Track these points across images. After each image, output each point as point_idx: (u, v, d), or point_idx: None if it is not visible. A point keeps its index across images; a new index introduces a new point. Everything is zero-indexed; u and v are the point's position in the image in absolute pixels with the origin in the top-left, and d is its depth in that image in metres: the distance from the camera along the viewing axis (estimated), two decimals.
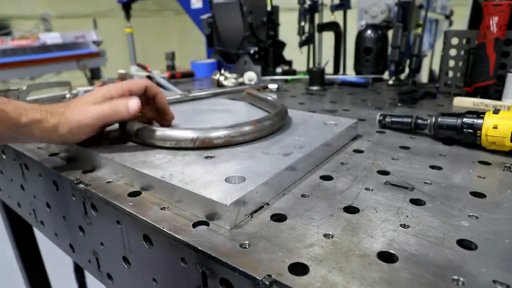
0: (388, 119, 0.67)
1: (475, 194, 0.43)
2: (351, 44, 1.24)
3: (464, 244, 0.33)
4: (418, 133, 0.65)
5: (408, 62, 1.09)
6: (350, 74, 1.27)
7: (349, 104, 0.90)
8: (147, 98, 0.57)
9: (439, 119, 0.59)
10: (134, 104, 0.50)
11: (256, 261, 0.31)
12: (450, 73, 0.96)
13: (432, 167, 0.51)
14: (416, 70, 1.03)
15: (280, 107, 0.62)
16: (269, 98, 0.72)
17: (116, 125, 0.58)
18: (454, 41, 0.93)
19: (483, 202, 0.41)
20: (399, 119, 0.65)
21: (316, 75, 1.10)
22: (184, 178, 0.42)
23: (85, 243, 0.53)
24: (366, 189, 0.44)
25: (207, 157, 0.49)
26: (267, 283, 0.29)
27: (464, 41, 0.91)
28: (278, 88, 1.06)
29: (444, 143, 0.60)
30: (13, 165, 0.66)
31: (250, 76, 1.18)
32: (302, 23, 1.22)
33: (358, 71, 1.22)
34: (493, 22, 0.78)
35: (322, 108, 0.86)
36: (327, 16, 1.25)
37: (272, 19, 1.30)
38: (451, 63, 0.95)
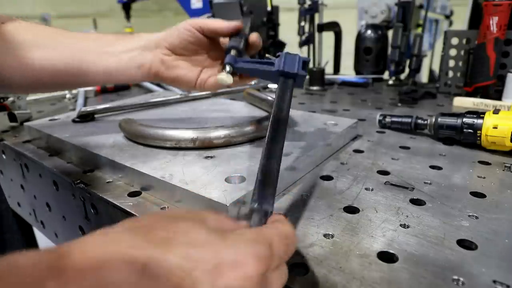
0: (388, 119, 0.67)
1: (475, 194, 0.43)
2: (351, 44, 1.24)
3: (464, 244, 0.33)
4: (418, 133, 0.65)
5: (408, 62, 1.09)
6: (348, 74, 1.27)
7: (349, 104, 0.90)
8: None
9: (439, 119, 0.59)
10: None
11: None
12: (450, 73, 0.96)
13: (432, 167, 0.51)
14: (416, 70, 1.03)
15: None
16: (269, 98, 0.72)
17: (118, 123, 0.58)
18: (454, 41, 0.93)
19: (483, 202, 0.41)
20: (399, 119, 0.65)
21: (316, 75, 1.10)
22: (184, 178, 0.42)
23: None
24: (366, 189, 0.44)
25: (207, 157, 0.49)
26: None
27: (464, 41, 0.91)
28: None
29: (444, 143, 0.60)
30: (13, 165, 0.66)
31: None
32: (302, 23, 1.22)
33: (358, 71, 1.22)
34: (493, 22, 0.78)
35: (322, 108, 0.86)
36: (327, 16, 1.25)
37: (272, 19, 1.30)
38: (451, 63, 0.95)
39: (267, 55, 0.53)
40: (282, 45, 1.38)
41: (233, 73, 0.49)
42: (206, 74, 0.53)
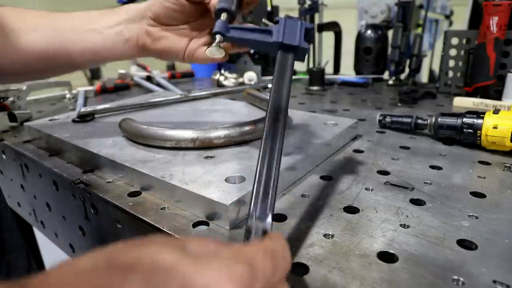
0: (388, 119, 0.67)
1: (475, 194, 0.43)
2: (351, 44, 1.24)
3: (464, 244, 0.33)
4: (418, 133, 0.65)
5: (408, 62, 1.09)
6: (348, 74, 1.27)
7: (349, 104, 0.90)
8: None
9: (439, 119, 0.59)
10: None
11: None
12: (450, 73, 0.96)
13: (432, 167, 0.51)
14: (416, 70, 1.03)
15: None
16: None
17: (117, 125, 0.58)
18: (454, 41, 0.93)
19: (483, 202, 0.41)
20: (399, 119, 0.65)
21: (316, 75, 1.10)
22: (184, 178, 0.42)
23: (85, 243, 0.53)
24: (366, 189, 0.44)
25: (207, 157, 0.49)
26: None
27: (464, 41, 0.91)
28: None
29: (444, 143, 0.60)
30: (13, 165, 0.66)
31: (250, 76, 1.18)
32: None
33: (358, 71, 1.22)
34: (493, 22, 0.78)
35: (322, 108, 0.86)
36: (327, 16, 1.25)
37: (272, 19, 1.30)
38: (451, 63, 0.95)
39: (264, 20, 0.45)
40: None
41: (224, 42, 0.43)
42: (195, 44, 0.49)
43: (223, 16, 0.42)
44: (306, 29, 0.41)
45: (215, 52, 0.42)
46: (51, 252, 1.06)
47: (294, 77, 1.28)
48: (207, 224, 0.38)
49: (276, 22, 0.41)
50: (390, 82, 1.14)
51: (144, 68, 1.33)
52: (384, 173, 0.49)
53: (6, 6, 0.48)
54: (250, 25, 0.44)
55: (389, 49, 1.13)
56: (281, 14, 1.34)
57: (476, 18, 0.96)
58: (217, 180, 0.41)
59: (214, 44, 0.42)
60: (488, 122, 0.53)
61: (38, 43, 0.47)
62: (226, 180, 0.42)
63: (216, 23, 0.42)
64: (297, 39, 0.40)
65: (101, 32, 0.48)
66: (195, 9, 0.47)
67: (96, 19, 0.49)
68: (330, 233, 0.35)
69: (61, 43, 0.47)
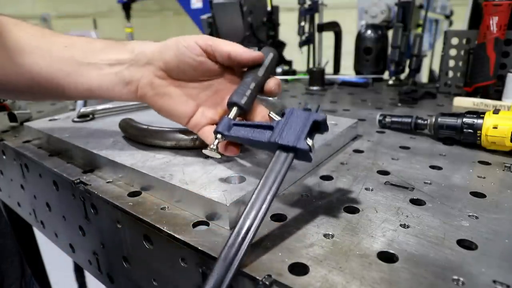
0: (388, 119, 0.67)
1: (475, 194, 0.43)
2: (351, 44, 1.24)
3: (464, 244, 0.33)
4: (418, 133, 0.65)
5: (408, 62, 1.09)
6: (348, 74, 1.27)
7: (349, 104, 0.90)
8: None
9: (439, 119, 0.59)
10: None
11: (256, 261, 0.31)
12: (450, 73, 0.96)
13: (432, 167, 0.51)
14: (416, 70, 1.03)
15: (280, 107, 0.62)
16: (269, 98, 0.71)
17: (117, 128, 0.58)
18: (454, 41, 0.93)
19: (483, 202, 0.41)
20: (399, 119, 0.65)
21: (316, 75, 1.10)
22: (184, 178, 0.42)
23: (85, 243, 0.53)
24: (366, 189, 0.44)
25: (207, 157, 0.49)
26: (267, 283, 0.29)
27: (464, 41, 0.91)
28: None
29: (444, 143, 0.60)
30: (13, 165, 0.66)
31: None
32: (302, 23, 1.22)
33: (358, 71, 1.22)
34: (493, 22, 0.78)
35: (322, 108, 0.86)
36: (327, 16, 1.25)
37: (272, 19, 1.30)
38: (451, 63, 0.95)
39: (270, 113, 0.40)
40: (282, 45, 1.38)
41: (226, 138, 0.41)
42: (204, 116, 0.44)
43: (233, 111, 0.41)
44: (315, 122, 0.35)
45: (211, 154, 0.41)
46: (51, 252, 1.06)
47: (294, 77, 1.28)
48: (207, 224, 0.38)
49: (283, 115, 0.37)
50: (390, 82, 1.14)
51: None
52: (384, 173, 0.49)
53: (5, 16, 0.43)
54: (255, 121, 0.41)
55: (389, 49, 1.13)
56: (281, 14, 1.35)
57: (476, 18, 0.96)
58: (217, 180, 0.41)
59: (211, 147, 0.40)
60: (488, 122, 0.53)
61: (33, 66, 0.42)
62: (226, 180, 0.42)
63: (221, 121, 0.40)
64: (293, 139, 0.34)
65: (100, 68, 0.43)
66: (218, 70, 0.43)
67: (98, 52, 0.43)
68: (330, 233, 0.35)
69: (55, 73, 0.43)
